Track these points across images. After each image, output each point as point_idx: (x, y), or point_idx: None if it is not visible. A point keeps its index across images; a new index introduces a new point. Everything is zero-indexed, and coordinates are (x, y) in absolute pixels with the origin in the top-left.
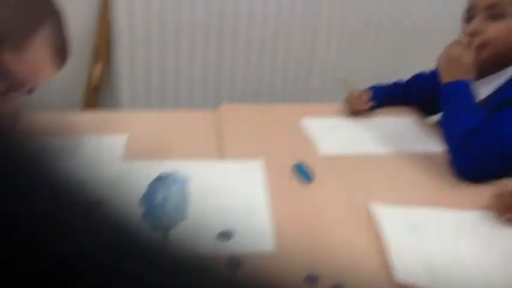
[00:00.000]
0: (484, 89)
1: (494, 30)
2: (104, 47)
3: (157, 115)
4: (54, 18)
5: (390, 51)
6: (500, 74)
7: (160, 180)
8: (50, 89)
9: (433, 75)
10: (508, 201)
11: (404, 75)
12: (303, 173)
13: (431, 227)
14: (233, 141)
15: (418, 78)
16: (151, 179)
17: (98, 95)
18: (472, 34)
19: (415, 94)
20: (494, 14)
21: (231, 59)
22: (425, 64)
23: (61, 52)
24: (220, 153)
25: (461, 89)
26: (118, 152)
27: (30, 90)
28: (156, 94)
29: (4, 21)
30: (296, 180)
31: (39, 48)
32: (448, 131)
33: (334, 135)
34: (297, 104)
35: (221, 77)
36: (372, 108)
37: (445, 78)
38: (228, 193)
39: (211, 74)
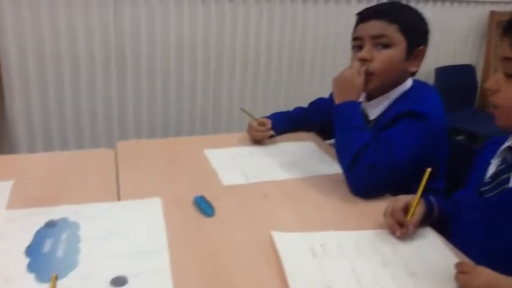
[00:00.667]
0: (373, 111)
1: (380, 58)
2: None
3: (50, 157)
4: None
5: (292, 79)
6: (386, 96)
7: (50, 227)
8: None
9: (331, 100)
10: (398, 219)
11: (306, 101)
12: (203, 206)
13: (331, 249)
14: (131, 179)
15: (318, 103)
16: (40, 226)
17: None
18: (362, 61)
19: (315, 118)
20: (381, 43)
21: (133, 95)
22: (325, 90)
23: None
24: (118, 193)
25: (351, 109)
26: (1, 199)
27: None
28: (52, 134)
29: None
30: (197, 214)
31: None
32: (340, 150)
33: (237, 164)
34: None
35: (125, 113)
36: (274, 135)
37: (338, 98)
38: (124, 236)
39: (114, 110)
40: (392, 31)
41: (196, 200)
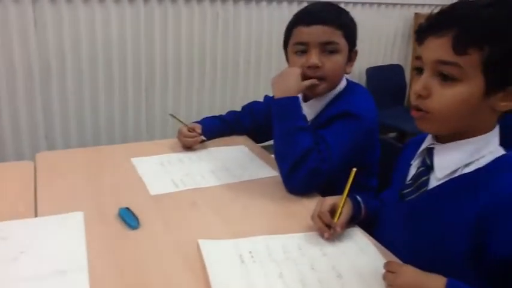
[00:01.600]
0: (310, 111)
1: (330, 64)
2: None
3: None
4: None
5: (226, 82)
6: (324, 97)
7: None
8: None
9: (266, 102)
10: (325, 221)
11: (242, 104)
12: (127, 218)
13: (260, 255)
14: (51, 193)
15: (252, 106)
16: None
17: None
18: (312, 67)
19: (248, 121)
20: (330, 49)
21: (60, 103)
22: (261, 92)
23: None
24: (35, 209)
25: (294, 106)
26: None
27: None
28: None
29: None
30: (121, 227)
31: None
32: (282, 152)
33: (166, 172)
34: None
35: (52, 124)
36: (205, 140)
37: (277, 93)
38: (40, 255)
39: (39, 121)
40: (339, 37)
41: (120, 212)
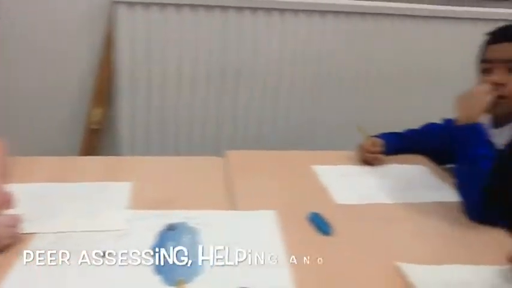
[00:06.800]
0: (499, 139)
1: None
2: (104, 91)
3: (161, 161)
4: None
5: (400, 98)
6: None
7: (171, 230)
8: (49, 129)
9: (446, 125)
10: None
11: (413, 122)
12: (320, 223)
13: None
14: (243, 189)
15: (430, 127)
16: (161, 228)
17: (97, 138)
18: (495, 85)
19: (427, 143)
20: None
21: (231, 105)
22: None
23: None
24: (230, 202)
25: (476, 133)
26: (123, 200)
27: None
28: (155, 139)
29: None
30: (313, 231)
31: None
32: (465, 178)
33: (349, 183)
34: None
35: (221, 124)
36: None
37: (460, 115)
38: (243, 245)
39: (211, 121)
40: None
41: (311, 216)
